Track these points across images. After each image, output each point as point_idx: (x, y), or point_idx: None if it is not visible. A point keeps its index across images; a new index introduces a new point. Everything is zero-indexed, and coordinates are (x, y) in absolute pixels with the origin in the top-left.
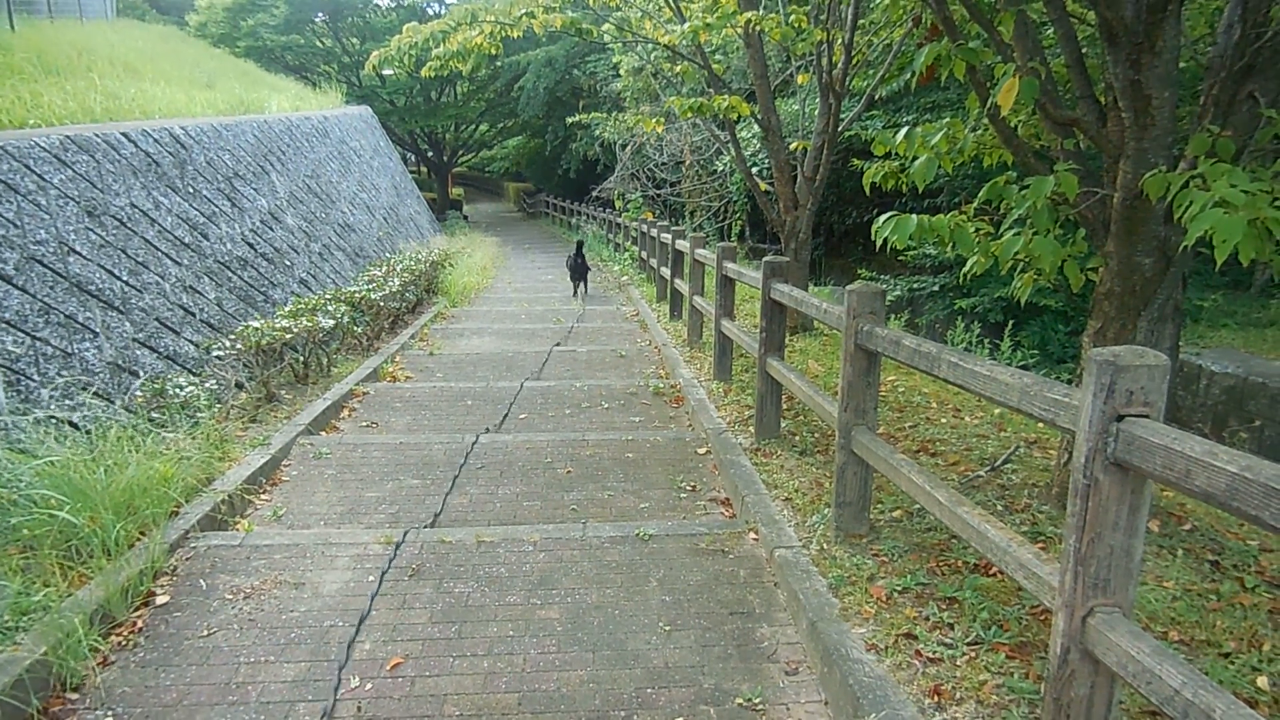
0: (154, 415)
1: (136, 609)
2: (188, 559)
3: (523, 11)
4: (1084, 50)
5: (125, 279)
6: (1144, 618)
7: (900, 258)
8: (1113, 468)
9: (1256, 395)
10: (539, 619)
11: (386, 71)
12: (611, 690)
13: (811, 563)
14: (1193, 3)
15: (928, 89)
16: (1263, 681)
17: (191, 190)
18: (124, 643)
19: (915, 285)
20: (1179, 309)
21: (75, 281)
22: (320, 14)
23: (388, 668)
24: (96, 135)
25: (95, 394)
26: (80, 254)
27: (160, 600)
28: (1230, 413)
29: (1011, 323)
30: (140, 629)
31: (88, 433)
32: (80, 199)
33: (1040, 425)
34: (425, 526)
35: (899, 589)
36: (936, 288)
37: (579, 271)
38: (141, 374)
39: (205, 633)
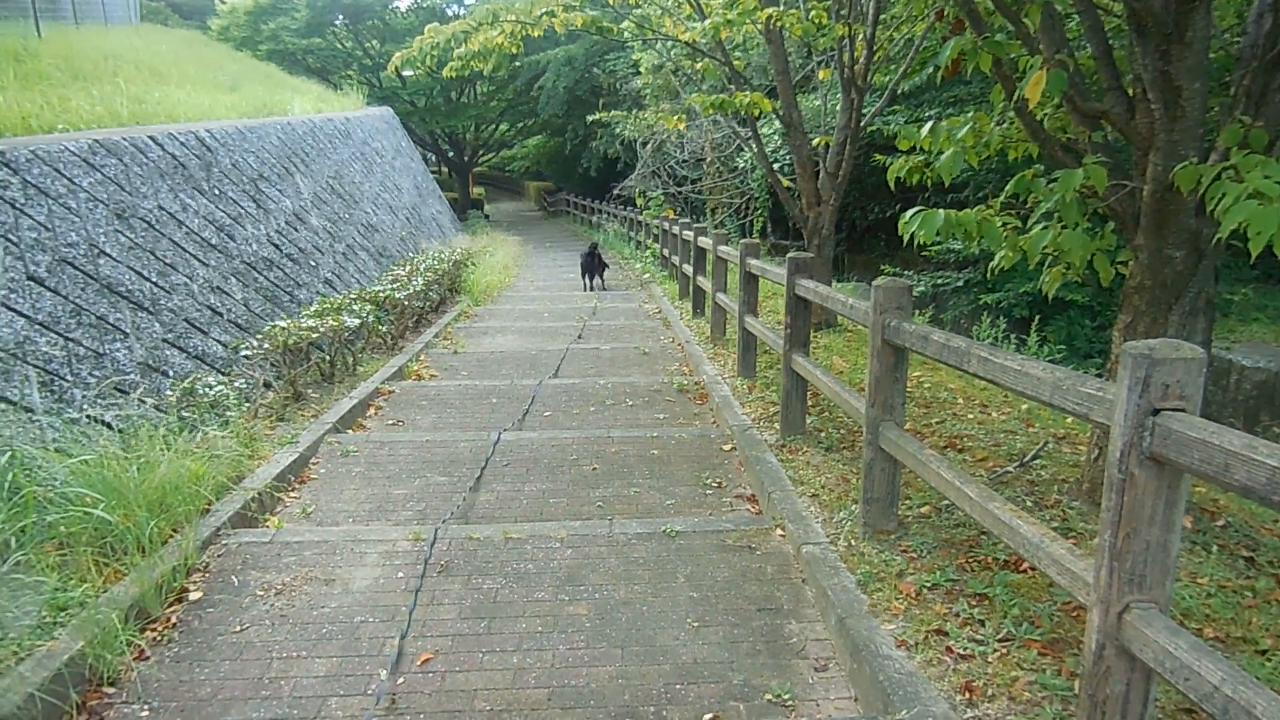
0: (184, 414)
1: (170, 605)
2: (219, 555)
3: (543, 10)
4: (1111, 42)
5: (154, 280)
6: (1179, 614)
7: (924, 253)
8: (1149, 462)
9: None
10: (567, 615)
11: (407, 72)
12: (640, 686)
13: (839, 559)
14: None
15: (950, 83)
16: None
17: (217, 192)
18: (159, 638)
19: (939, 280)
20: (1210, 303)
21: (105, 283)
22: (340, 16)
23: (418, 663)
24: (124, 139)
25: (126, 393)
26: (110, 256)
27: (193, 596)
28: (1262, 408)
29: (1038, 318)
30: (174, 624)
31: (120, 432)
32: (109, 201)
33: (1068, 420)
34: (453, 523)
35: (928, 585)
36: (961, 283)
37: (590, 266)
38: (171, 374)
39: (238, 628)
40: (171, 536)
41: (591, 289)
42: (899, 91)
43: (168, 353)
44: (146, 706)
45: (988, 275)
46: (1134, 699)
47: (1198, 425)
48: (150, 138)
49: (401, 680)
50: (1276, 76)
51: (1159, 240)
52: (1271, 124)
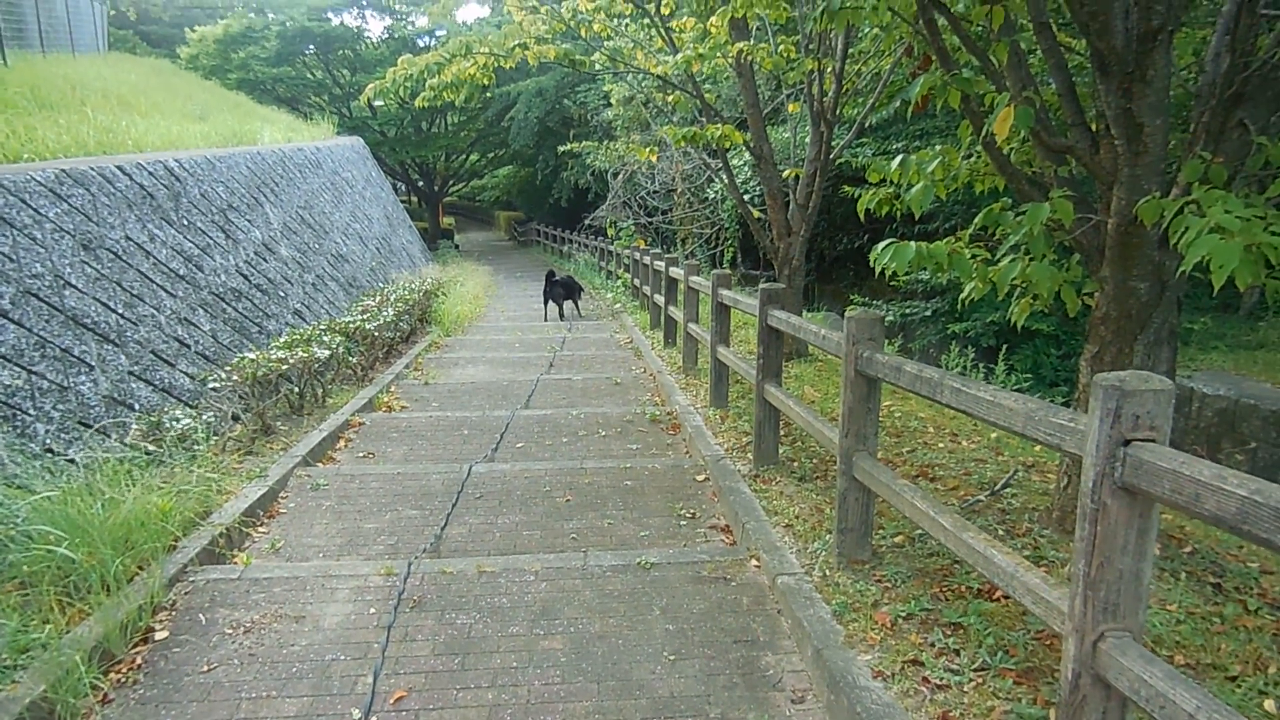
0: (150, 449)
1: (136, 645)
2: (187, 593)
3: (516, 43)
4: (1075, 79)
5: (120, 312)
6: (1149, 641)
7: (892, 283)
8: (1120, 492)
9: (1249, 417)
10: (542, 649)
11: (378, 102)
12: None
13: (815, 589)
14: (1180, 32)
15: (917, 117)
16: (1270, 705)
17: (186, 222)
18: (124, 679)
19: (908, 310)
20: (1174, 332)
21: (71, 315)
22: (311, 46)
23: (391, 701)
24: (91, 169)
25: (91, 428)
26: (76, 287)
27: (160, 635)
28: (1223, 435)
29: (1005, 347)
30: (140, 665)
31: (84, 467)
32: (75, 232)
33: (1037, 449)
34: (426, 557)
35: (904, 615)
36: (929, 313)
37: (553, 294)
38: (137, 407)
39: (205, 668)
40: (137, 574)
41: (560, 317)
42: (867, 124)
43: (134, 385)
44: None
45: (956, 305)
46: None
47: (1168, 455)
48: (118, 167)
49: (375, 719)
50: (1234, 114)
51: (1124, 272)
52: (1230, 159)
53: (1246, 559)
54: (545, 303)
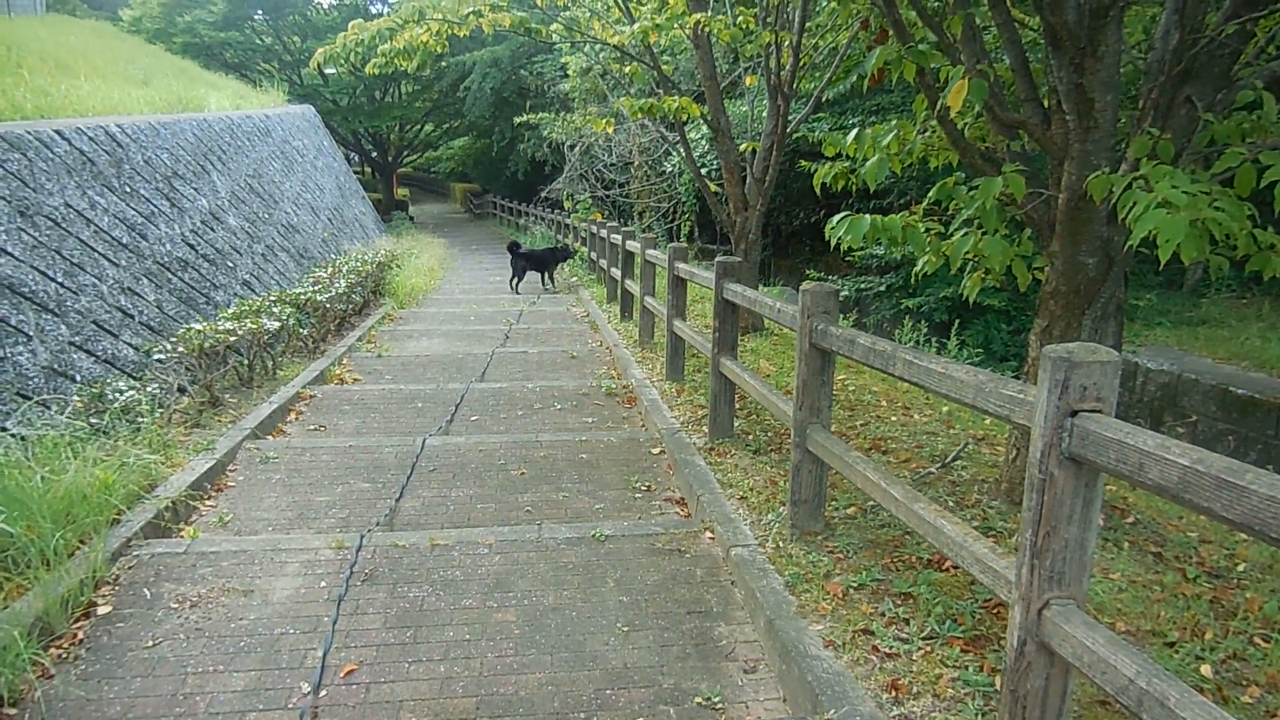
0: (93, 421)
1: (77, 620)
2: (130, 568)
3: (470, 10)
4: (1028, 55)
5: (60, 281)
6: (1092, 609)
7: (847, 258)
8: (1068, 462)
9: (1190, 391)
10: (496, 622)
11: (330, 70)
12: (570, 692)
13: (768, 561)
14: (1130, 9)
15: (874, 92)
16: (1206, 670)
17: (129, 190)
18: (65, 655)
19: (862, 285)
20: (1121, 307)
21: (7, 284)
22: (260, 11)
23: (341, 675)
24: (27, 132)
25: (29, 399)
26: (12, 255)
27: (102, 610)
28: (1165, 409)
29: (957, 322)
30: (81, 641)
31: (22, 439)
32: (11, 198)
33: (987, 422)
34: (378, 530)
35: (855, 585)
36: (883, 288)
37: (524, 266)
38: (79, 379)
39: (150, 643)
40: (79, 548)
41: (517, 291)
42: (824, 99)
43: (75, 356)
44: None
45: (910, 280)
46: (1053, 693)
47: (1114, 426)
48: (56, 132)
49: (324, 693)
50: (1182, 90)
51: (1073, 247)
52: (1178, 136)
53: (1186, 529)
54: (513, 275)
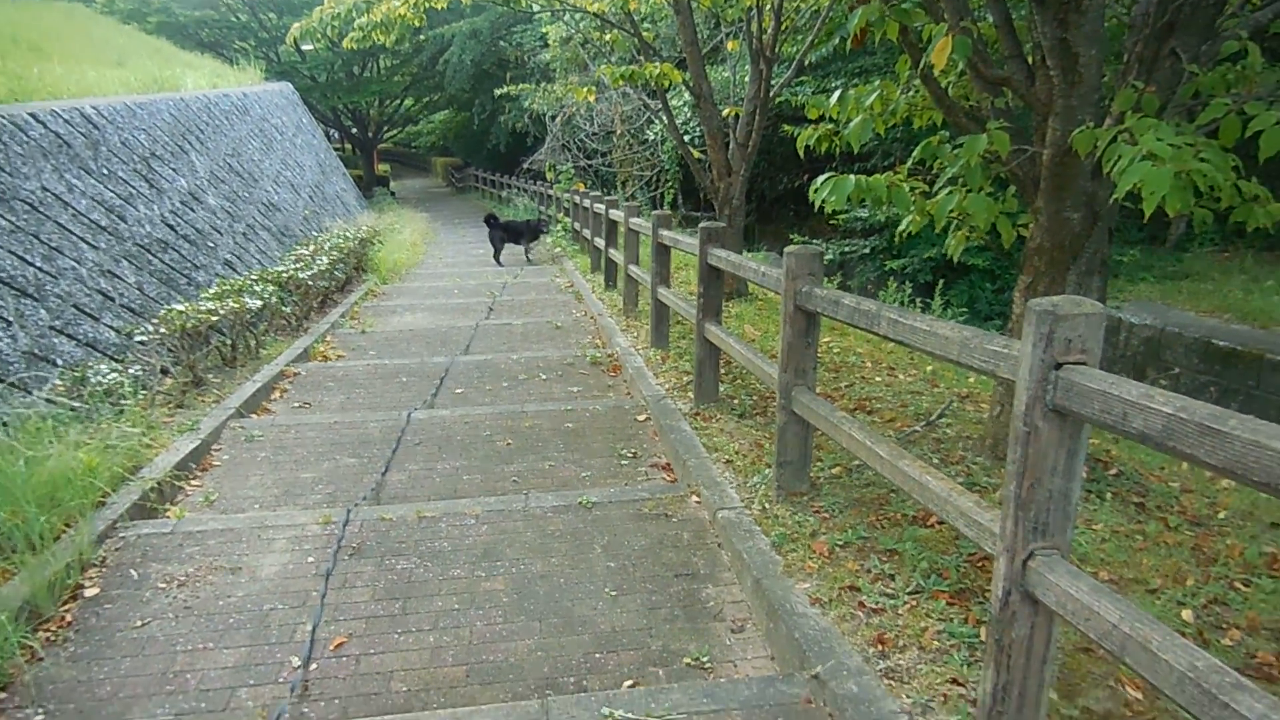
0: (75, 404)
1: (65, 603)
2: (117, 549)
3: None
4: (1011, 11)
5: (39, 265)
6: (1076, 559)
7: (831, 222)
8: (1052, 414)
9: (1173, 345)
10: (484, 591)
11: (306, 46)
12: (560, 657)
13: (754, 522)
14: None
15: (856, 54)
16: (1187, 615)
17: (106, 171)
18: (53, 638)
19: (846, 248)
20: (1105, 263)
21: None
22: None
23: (331, 648)
24: (2, 117)
25: (11, 385)
26: None
27: (90, 592)
28: (1148, 363)
29: (941, 282)
30: (70, 623)
31: (4, 425)
32: None
33: (971, 380)
34: (365, 504)
35: (840, 544)
36: (867, 250)
37: (501, 238)
38: (60, 362)
39: (139, 623)
40: (65, 532)
41: (501, 263)
42: (806, 62)
43: (56, 340)
44: (41, 710)
45: (894, 241)
46: (1038, 641)
47: (1098, 377)
48: (31, 115)
49: (315, 666)
50: (1167, 43)
51: (1058, 203)
52: (1163, 89)
53: (1168, 479)
54: (496, 249)
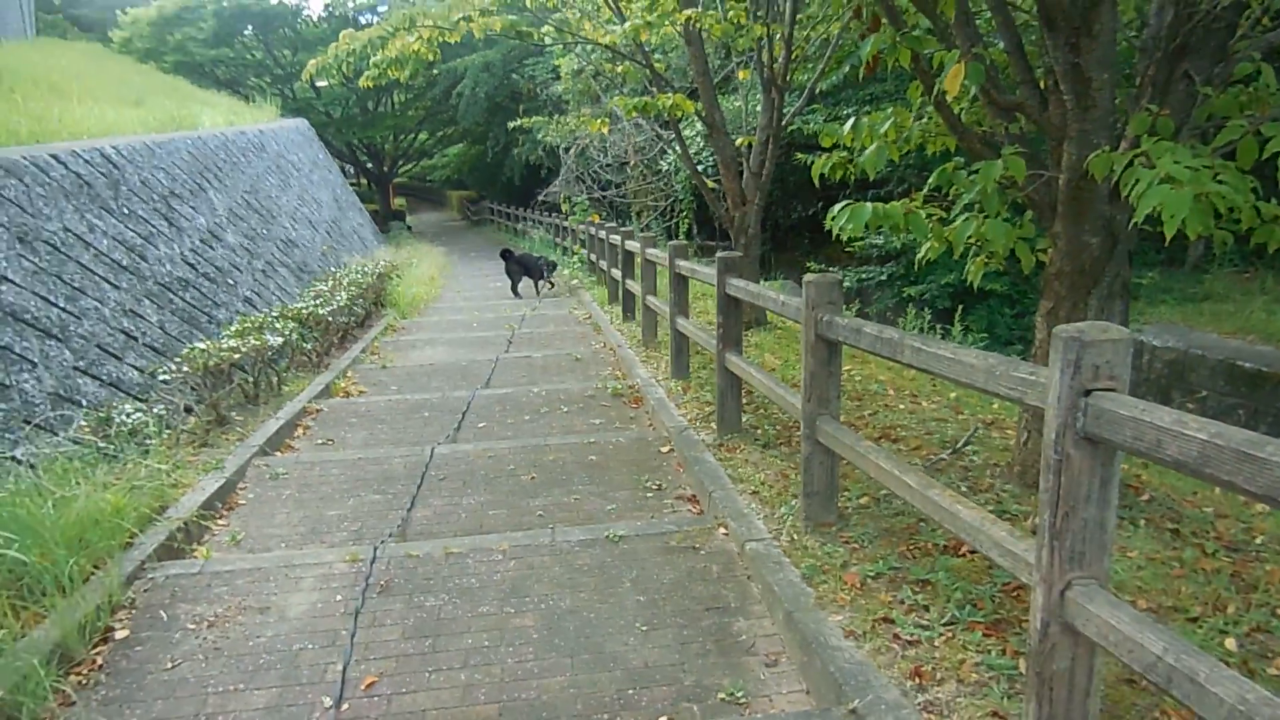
0: (101, 445)
1: (96, 645)
2: (146, 590)
3: (460, 16)
4: (1022, 37)
5: (62, 306)
6: (1113, 588)
7: (847, 249)
8: (1083, 442)
9: (1197, 367)
10: (514, 628)
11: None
12: (592, 694)
13: (783, 554)
14: None
15: (867, 81)
16: (1230, 644)
17: (127, 211)
18: (85, 681)
19: (864, 275)
20: (1126, 286)
21: (9, 311)
22: (250, 26)
23: (363, 687)
24: (24, 158)
25: (38, 426)
26: (13, 282)
27: (120, 634)
28: (1173, 385)
29: (960, 308)
30: (101, 665)
31: (32, 467)
32: (10, 225)
33: (995, 406)
34: (391, 541)
35: (872, 574)
36: (884, 277)
37: (511, 271)
38: (85, 403)
39: (169, 665)
40: (93, 574)
41: (522, 295)
42: (818, 90)
43: (80, 381)
44: None
45: (911, 268)
46: (1079, 673)
47: (1129, 404)
48: (52, 156)
49: (346, 706)
50: (1179, 65)
51: (1076, 227)
52: (1177, 111)
53: (1202, 504)
54: (514, 282)
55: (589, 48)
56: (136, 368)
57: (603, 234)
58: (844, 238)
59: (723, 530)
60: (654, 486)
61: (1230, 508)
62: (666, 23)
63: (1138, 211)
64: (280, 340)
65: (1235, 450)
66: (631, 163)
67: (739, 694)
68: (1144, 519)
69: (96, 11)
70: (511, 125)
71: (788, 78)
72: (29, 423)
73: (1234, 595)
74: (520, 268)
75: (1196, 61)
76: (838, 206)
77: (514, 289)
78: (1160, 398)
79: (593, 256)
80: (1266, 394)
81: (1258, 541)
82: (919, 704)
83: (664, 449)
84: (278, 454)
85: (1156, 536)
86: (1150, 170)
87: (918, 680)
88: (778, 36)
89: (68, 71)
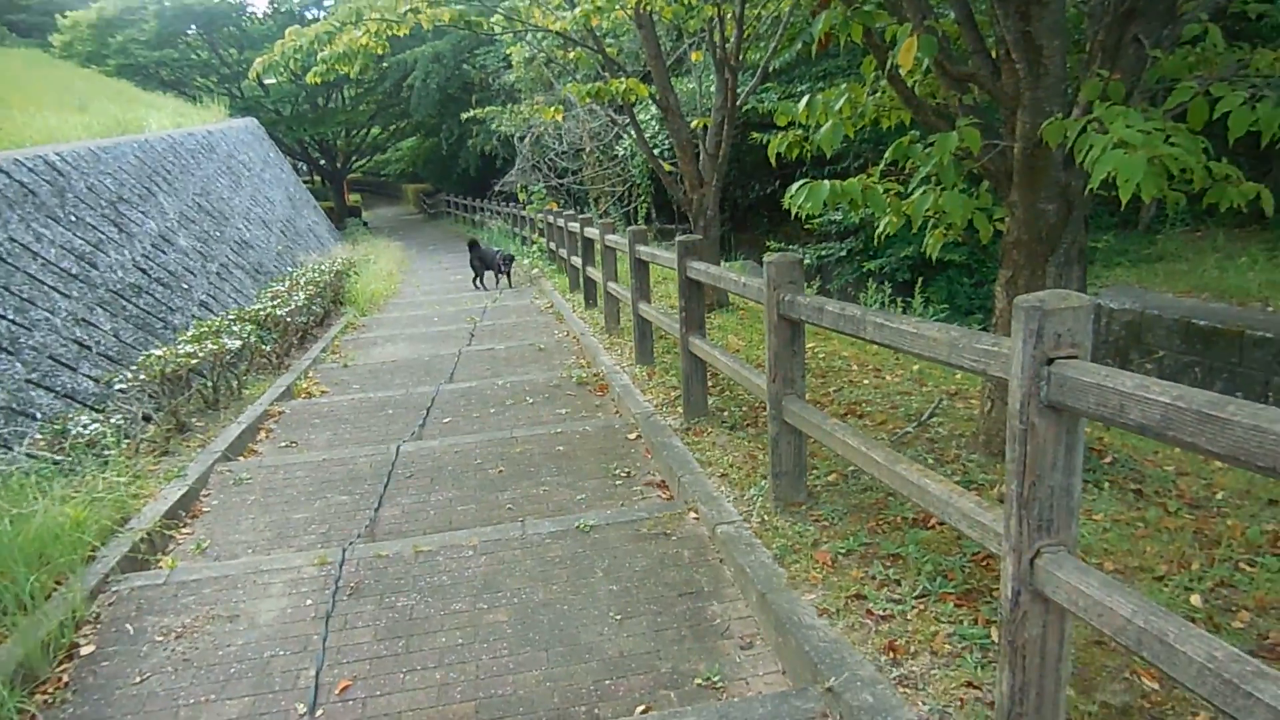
0: (58, 458)
1: (61, 663)
2: (110, 604)
3: (407, 8)
4: (971, 6)
5: (11, 318)
6: (1080, 551)
7: (806, 226)
8: (1047, 410)
9: (1154, 328)
10: (487, 623)
11: (269, 80)
12: (569, 686)
13: (754, 535)
14: None
15: (820, 58)
16: (1195, 600)
17: (74, 218)
18: (51, 699)
19: (823, 252)
20: (1083, 252)
21: None
22: (193, 25)
23: (337, 692)
24: None
25: None
26: None
27: (85, 650)
28: (1131, 347)
29: (920, 280)
30: (67, 683)
31: None
32: None
33: (959, 377)
34: (360, 543)
35: (843, 551)
36: (844, 252)
37: (483, 265)
38: (39, 415)
39: (138, 679)
40: (56, 589)
41: (485, 286)
42: (771, 69)
43: (33, 394)
44: None
45: (870, 243)
46: (1051, 639)
47: (1091, 370)
48: None
49: (321, 712)
50: (1128, 29)
51: (1032, 195)
52: (1127, 75)
53: (1163, 463)
54: (476, 275)
55: (540, 35)
56: (92, 378)
57: (561, 222)
58: (803, 215)
59: (693, 515)
60: (623, 474)
61: (1191, 465)
62: (617, 7)
63: (1093, 177)
64: (239, 343)
65: (1197, 412)
66: (587, 149)
67: (715, 678)
68: (1108, 481)
69: (34, 16)
70: (465, 116)
71: (740, 57)
72: None
73: (1197, 552)
74: (482, 262)
75: (1145, 24)
76: (795, 185)
77: (476, 281)
78: (1119, 359)
79: (552, 245)
80: (1220, 350)
81: (1219, 497)
82: (894, 678)
83: (631, 436)
84: (241, 459)
85: (1120, 498)
86: (1104, 135)
87: (892, 655)
88: (729, 16)
89: (7, 78)
